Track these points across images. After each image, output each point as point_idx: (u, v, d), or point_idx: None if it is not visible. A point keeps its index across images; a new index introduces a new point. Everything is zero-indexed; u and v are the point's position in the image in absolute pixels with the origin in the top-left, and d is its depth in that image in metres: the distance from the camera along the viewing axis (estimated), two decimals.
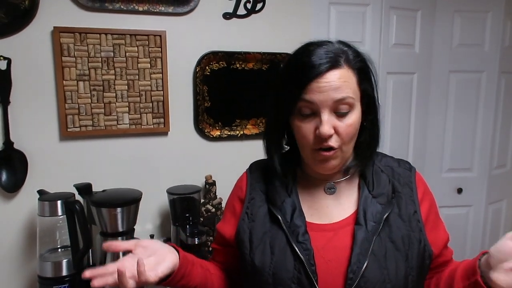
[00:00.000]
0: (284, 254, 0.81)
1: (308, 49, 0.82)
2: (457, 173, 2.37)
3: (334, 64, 0.78)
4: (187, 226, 1.62)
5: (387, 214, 0.83)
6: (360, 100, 0.83)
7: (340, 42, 0.85)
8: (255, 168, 0.97)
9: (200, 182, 1.81)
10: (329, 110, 0.78)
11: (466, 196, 2.39)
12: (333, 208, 0.88)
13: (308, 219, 0.85)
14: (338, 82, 0.78)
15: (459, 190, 2.37)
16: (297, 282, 0.79)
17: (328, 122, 0.77)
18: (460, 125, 2.34)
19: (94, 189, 1.56)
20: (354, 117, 0.81)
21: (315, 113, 0.79)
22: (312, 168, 0.88)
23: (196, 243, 1.55)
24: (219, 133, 1.89)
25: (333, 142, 0.79)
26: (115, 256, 1.49)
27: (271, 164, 0.89)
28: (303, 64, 0.79)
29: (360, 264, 0.78)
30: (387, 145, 2.15)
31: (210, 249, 1.16)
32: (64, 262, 1.42)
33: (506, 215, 2.58)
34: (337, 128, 0.79)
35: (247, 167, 1.01)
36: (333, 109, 0.79)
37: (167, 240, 1.75)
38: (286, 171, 0.89)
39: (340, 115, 0.79)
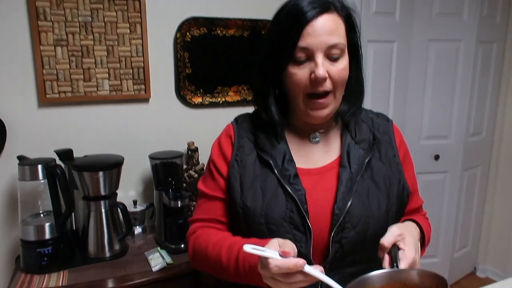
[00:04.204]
0: (276, 195, 0.85)
1: None
2: (434, 140, 2.43)
3: (325, 9, 0.82)
4: (170, 190, 1.63)
5: (369, 158, 0.90)
6: (347, 49, 0.87)
7: None
8: (241, 120, 1.00)
9: (182, 149, 1.82)
10: (322, 55, 0.82)
11: (443, 162, 2.46)
12: (318, 155, 0.93)
13: (296, 164, 0.89)
14: (331, 25, 0.82)
15: (436, 157, 2.44)
16: (289, 220, 0.84)
17: (322, 65, 0.81)
18: (438, 93, 2.39)
19: (75, 155, 1.56)
20: (345, 62, 0.85)
21: (309, 59, 0.83)
22: (303, 119, 0.91)
23: (179, 206, 1.57)
24: (201, 100, 1.89)
25: (327, 86, 0.83)
26: (99, 221, 1.51)
27: (265, 113, 0.91)
28: (296, 11, 0.82)
29: (345, 202, 0.84)
30: None
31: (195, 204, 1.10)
32: (47, 225, 1.42)
33: (481, 180, 2.68)
34: (330, 72, 0.83)
35: None
36: (326, 54, 0.82)
37: (150, 206, 1.77)
38: (276, 121, 0.91)
39: (333, 60, 0.83)
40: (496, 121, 2.66)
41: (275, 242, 0.71)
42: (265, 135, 0.92)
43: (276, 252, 0.68)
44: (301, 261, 0.67)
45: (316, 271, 0.69)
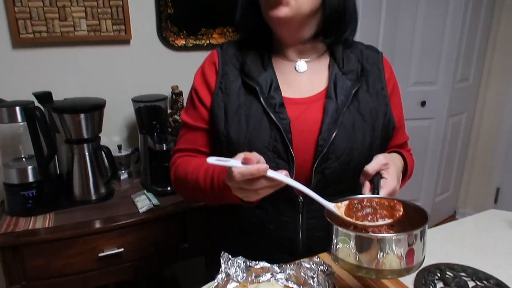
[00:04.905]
0: (260, 124, 0.84)
1: None
2: (421, 86, 2.43)
3: None
4: (155, 134, 1.61)
5: (356, 89, 0.87)
6: None
7: None
8: (227, 46, 0.95)
9: (166, 93, 1.78)
10: None
11: (429, 109, 2.47)
12: (304, 85, 0.90)
13: (282, 93, 0.87)
14: None
15: (423, 103, 2.44)
16: (273, 149, 0.83)
17: None
18: (427, 39, 2.35)
19: (54, 99, 1.51)
20: None
21: None
22: (269, 22, 0.87)
23: (164, 149, 1.55)
24: (184, 42, 1.82)
25: None
26: (83, 164, 1.49)
27: (250, 35, 0.88)
28: None
29: (330, 133, 0.83)
30: None
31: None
32: (30, 168, 1.40)
33: (465, 127, 2.71)
34: None
35: None
36: None
37: (135, 151, 1.76)
38: (262, 46, 0.88)
39: None
40: (484, 67, 2.65)
41: (241, 154, 0.69)
42: (251, 61, 0.89)
43: (239, 161, 0.66)
44: (263, 165, 0.65)
45: (280, 175, 0.67)
